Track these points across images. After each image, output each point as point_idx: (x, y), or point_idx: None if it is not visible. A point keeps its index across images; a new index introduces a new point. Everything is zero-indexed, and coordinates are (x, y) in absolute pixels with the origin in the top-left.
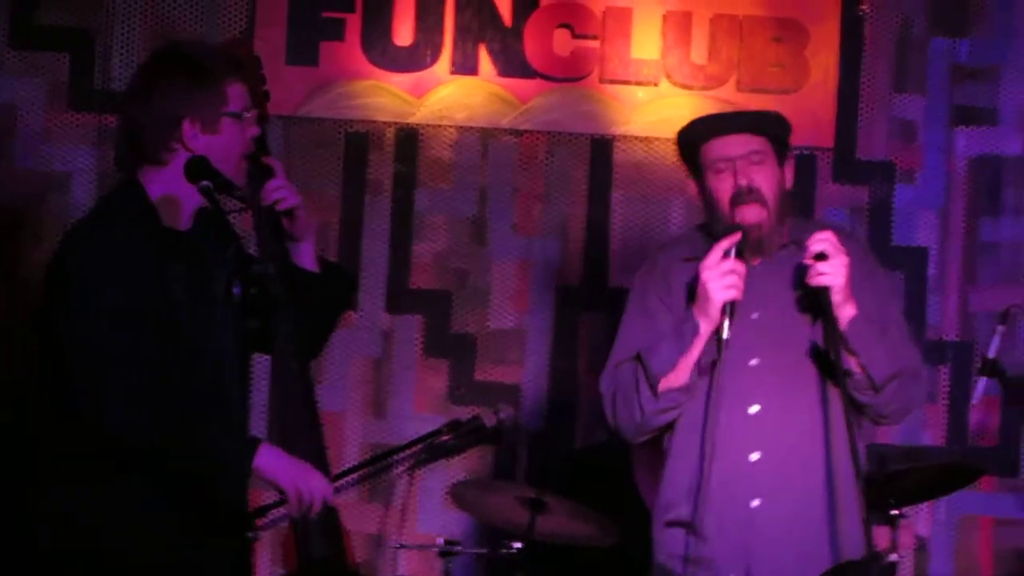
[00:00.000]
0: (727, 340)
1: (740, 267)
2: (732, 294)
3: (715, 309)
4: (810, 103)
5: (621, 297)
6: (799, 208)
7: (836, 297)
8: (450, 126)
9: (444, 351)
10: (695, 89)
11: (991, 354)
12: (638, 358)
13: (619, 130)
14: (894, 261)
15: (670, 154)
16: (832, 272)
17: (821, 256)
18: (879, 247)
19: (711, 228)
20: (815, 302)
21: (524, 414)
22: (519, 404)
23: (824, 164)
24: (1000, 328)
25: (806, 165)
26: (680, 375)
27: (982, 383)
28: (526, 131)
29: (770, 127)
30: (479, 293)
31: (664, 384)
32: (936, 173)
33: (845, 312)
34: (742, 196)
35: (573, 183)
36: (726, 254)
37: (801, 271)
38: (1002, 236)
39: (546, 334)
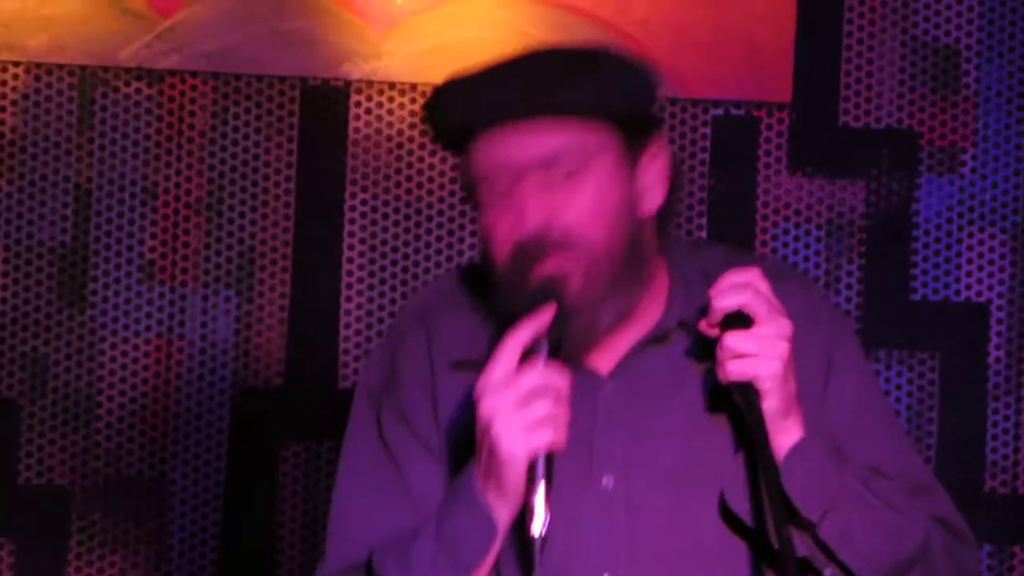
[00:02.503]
0: (541, 539)
1: (558, 379)
2: (545, 440)
3: (514, 475)
4: (743, 14)
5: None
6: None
7: (768, 403)
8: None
9: None
10: None
11: None
12: (370, 567)
13: (358, 70)
14: (918, 330)
15: None
16: (758, 352)
17: (737, 320)
18: (887, 302)
19: (495, 295)
20: (732, 415)
21: None
22: None
23: (774, 135)
24: None
25: (735, 136)
26: None
27: None
28: (170, 72)
29: (602, 93)
30: None
31: None
32: (1006, 152)
33: (784, 435)
34: (529, 248)
35: (264, 171)
36: (526, 355)
37: (704, 375)
38: None
39: None
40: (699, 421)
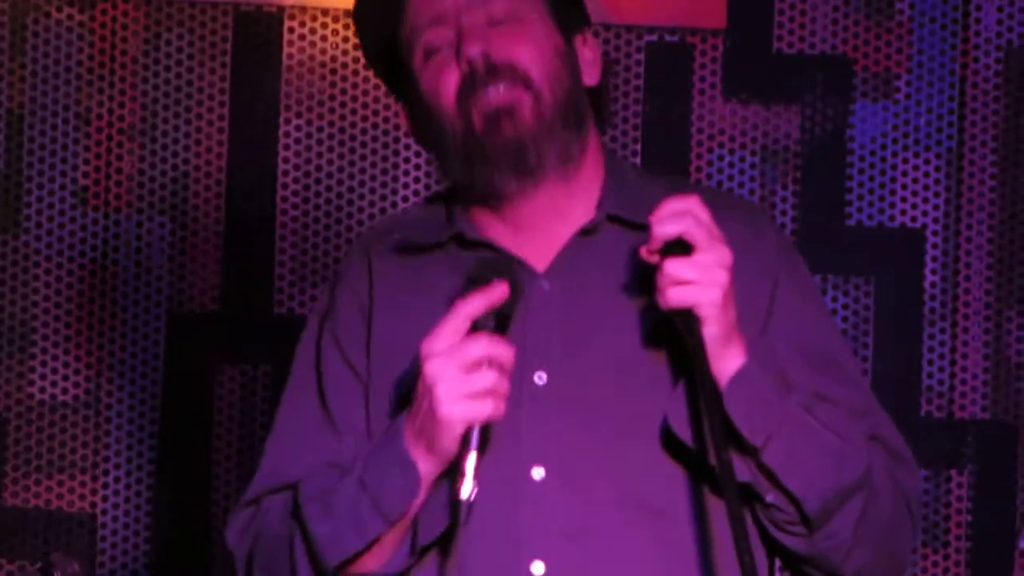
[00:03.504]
0: (469, 502)
1: (504, 352)
2: (485, 411)
3: (448, 439)
4: None
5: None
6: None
7: (709, 330)
8: None
9: None
10: None
11: None
12: (296, 508)
13: None
14: (852, 256)
15: None
16: (698, 280)
17: (676, 247)
18: (821, 228)
19: (448, 151)
20: (669, 339)
21: None
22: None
23: (708, 61)
24: None
25: (669, 62)
26: (379, 558)
27: None
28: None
29: None
30: None
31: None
32: (940, 78)
33: (726, 362)
34: (477, 77)
35: (197, 97)
36: (477, 326)
37: (642, 277)
38: None
39: None
40: (643, 325)
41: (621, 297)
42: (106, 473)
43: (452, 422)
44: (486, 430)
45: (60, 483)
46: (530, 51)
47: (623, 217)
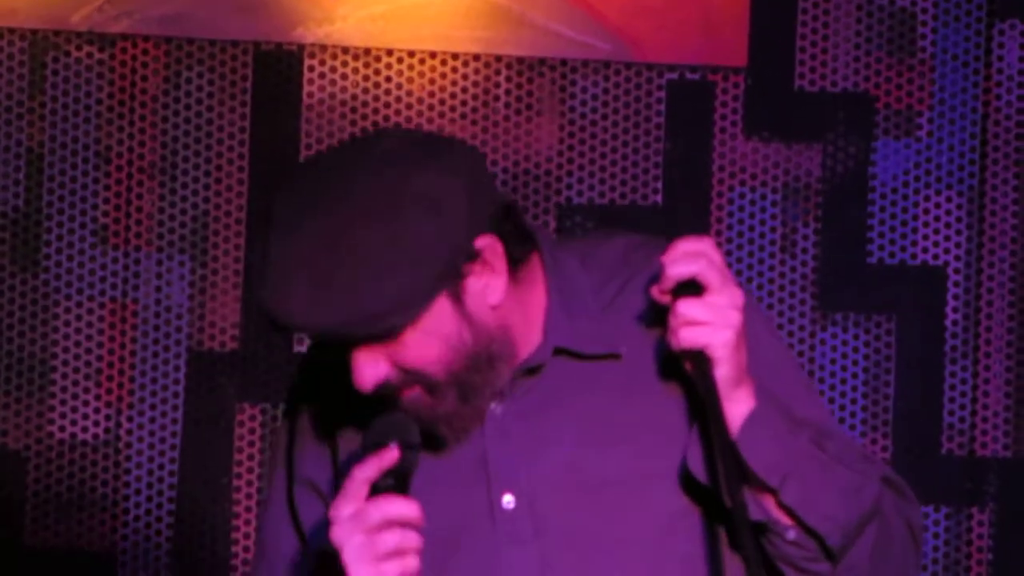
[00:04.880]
0: None
1: (406, 510)
2: (395, 571)
3: None
4: None
5: None
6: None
7: (721, 372)
8: None
9: None
10: None
11: None
12: None
13: (311, 35)
14: (874, 294)
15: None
16: (711, 321)
17: (688, 288)
18: (843, 266)
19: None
20: (680, 384)
21: None
22: None
23: (730, 100)
24: None
25: (690, 100)
26: None
27: None
28: (122, 36)
29: (398, 310)
30: None
31: None
32: (962, 115)
33: (737, 404)
34: (380, 395)
35: (217, 136)
36: (376, 489)
37: (593, 391)
38: None
39: None
40: (608, 428)
41: (579, 408)
42: (126, 512)
43: None
44: None
45: (80, 522)
46: (421, 361)
47: (571, 350)
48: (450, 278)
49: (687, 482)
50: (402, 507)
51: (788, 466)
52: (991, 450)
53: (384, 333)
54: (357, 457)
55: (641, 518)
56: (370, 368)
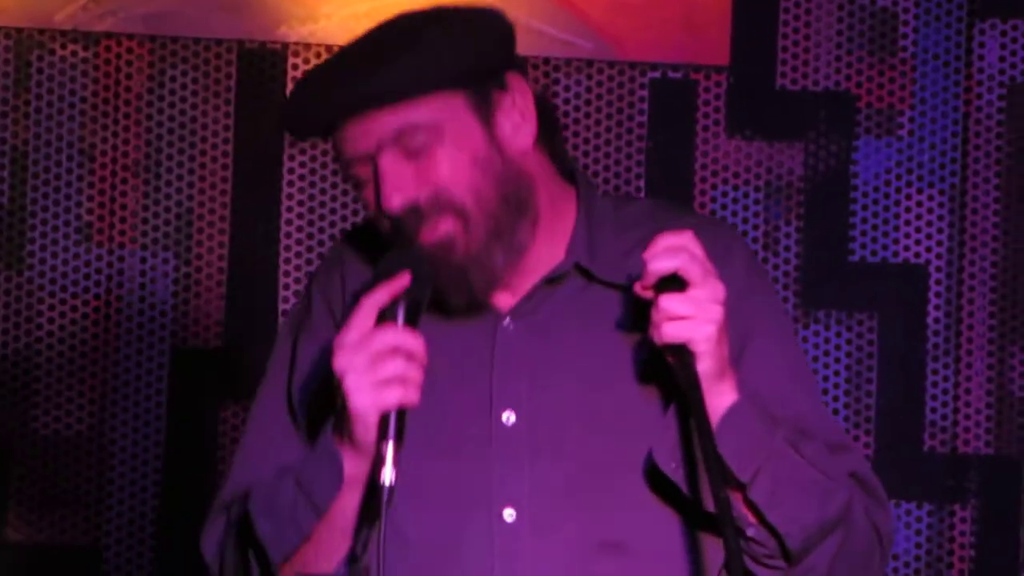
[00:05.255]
0: (389, 488)
1: (411, 341)
2: (394, 398)
3: (364, 430)
4: None
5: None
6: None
7: (703, 366)
8: None
9: None
10: None
11: None
12: (245, 515)
13: (295, 33)
14: (856, 292)
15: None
16: (693, 315)
17: (671, 283)
18: (825, 264)
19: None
20: (659, 374)
21: None
22: None
23: (712, 98)
24: None
25: (673, 98)
26: (320, 556)
27: None
28: (106, 35)
29: (421, 71)
30: None
31: (288, 570)
32: (943, 114)
33: (718, 398)
34: (404, 225)
35: (201, 134)
36: (384, 316)
37: (631, 313)
38: None
39: None
40: (608, 366)
41: (586, 343)
42: (109, 508)
43: (363, 411)
44: (403, 418)
45: (63, 517)
46: (451, 178)
47: (589, 270)
48: (475, 80)
49: (640, 476)
50: (409, 337)
51: (760, 462)
52: (973, 447)
53: (399, 92)
54: (366, 288)
55: (627, 469)
56: (399, 182)
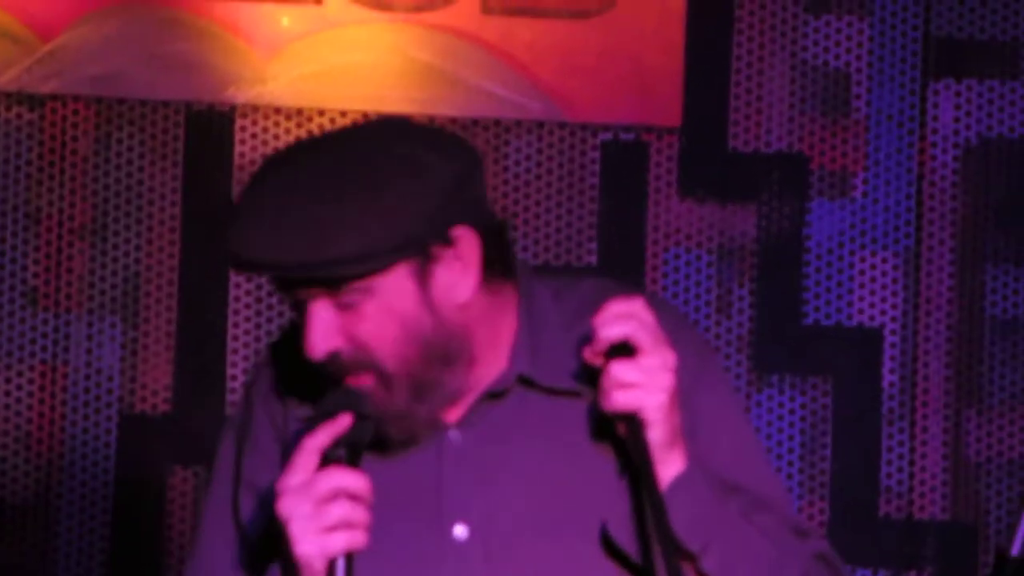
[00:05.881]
0: None
1: (355, 482)
2: (341, 543)
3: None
4: (631, 37)
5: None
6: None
7: (653, 434)
8: None
9: None
10: (396, 9)
11: (1016, 550)
12: None
13: (243, 95)
14: (810, 356)
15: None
16: (643, 383)
17: (621, 350)
18: (779, 327)
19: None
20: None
21: None
22: None
23: (664, 160)
24: None
25: (625, 160)
26: None
27: None
28: (52, 97)
29: (366, 253)
30: None
31: None
32: (897, 176)
33: (668, 467)
34: (327, 367)
35: (148, 196)
36: (327, 458)
37: (578, 415)
38: None
39: None
40: (557, 468)
41: (533, 446)
42: None
43: (310, 558)
44: (351, 562)
45: None
46: (375, 341)
47: (532, 380)
48: (417, 250)
49: (608, 547)
50: (352, 479)
51: (711, 533)
52: (929, 513)
53: (338, 279)
54: (307, 429)
55: (588, 564)
56: (324, 333)
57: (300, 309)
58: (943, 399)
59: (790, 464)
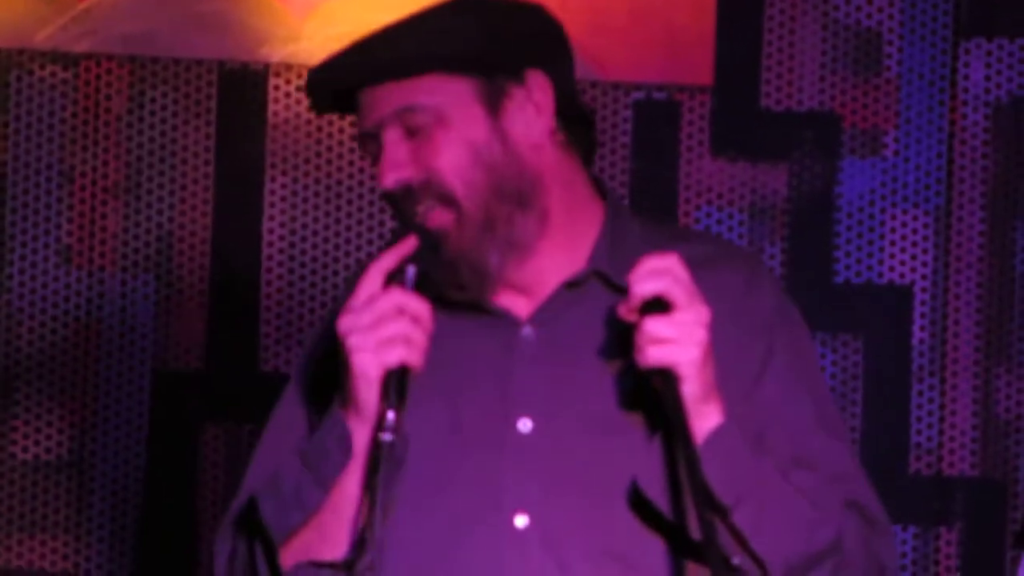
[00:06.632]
0: (388, 444)
1: (416, 304)
2: (396, 356)
3: (367, 391)
4: None
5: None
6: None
7: (687, 389)
8: None
9: None
10: None
11: None
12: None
13: (276, 54)
14: (841, 313)
15: None
16: (677, 338)
17: (655, 306)
18: (809, 285)
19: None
20: (650, 396)
21: None
22: None
23: (696, 119)
24: None
25: (657, 119)
26: (325, 540)
27: None
28: (85, 56)
29: (425, 47)
30: None
31: (291, 558)
32: (928, 134)
33: (703, 420)
34: (399, 201)
35: (182, 155)
36: (391, 279)
37: (625, 335)
38: None
39: None
40: (623, 382)
41: (604, 352)
42: (89, 533)
43: (365, 370)
44: (404, 380)
45: (43, 543)
46: (445, 164)
47: (609, 277)
48: (484, 70)
49: (636, 499)
50: (413, 300)
51: (745, 487)
52: (958, 469)
53: (405, 67)
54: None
55: (646, 463)
56: (396, 161)
57: (372, 148)
58: (973, 356)
59: None
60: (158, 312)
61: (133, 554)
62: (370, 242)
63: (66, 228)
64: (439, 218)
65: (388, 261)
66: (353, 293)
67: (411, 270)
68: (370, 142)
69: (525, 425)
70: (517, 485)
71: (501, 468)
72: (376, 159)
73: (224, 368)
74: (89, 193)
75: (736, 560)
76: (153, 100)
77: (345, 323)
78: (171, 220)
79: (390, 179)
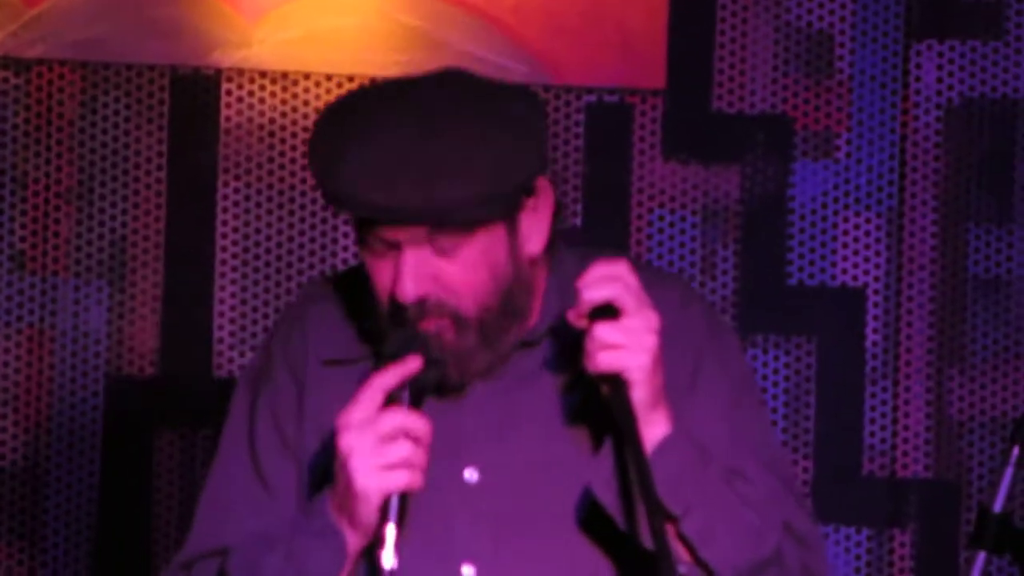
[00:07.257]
0: (392, 570)
1: (418, 425)
2: (400, 482)
3: (367, 511)
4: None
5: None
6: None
7: (636, 395)
8: None
9: None
10: None
11: (998, 506)
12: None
13: (228, 59)
14: (794, 316)
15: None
16: (627, 344)
17: (605, 311)
18: (762, 287)
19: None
20: (597, 413)
21: None
22: None
23: (648, 121)
24: (1014, 453)
25: (609, 122)
26: None
27: (980, 561)
28: (37, 61)
29: (479, 201)
30: None
31: None
32: (880, 136)
33: (652, 428)
34: (409, 312)
35: (134, 160)
36: (391, 398)
37: (570, 355)
38: (1018, 259)
39: None
40: (565, 418)
41: (555, 395)
42: (44, 539)
43: (368, 494)
44: (405, 501)
45: None
46: (466, 289)
47: (561, 331)
48: (518, 200)
49: (594, 522)
50: (416, 421)
51: (694, 495)
52: (912, 471)
53: (457, 221)
54: (375, 367)
55: (580, 521)
56: (418, 277)
57: (380, 248)
58: (926, 358)
59: (774, 423)
60: (111, 317)
61: (88, 560)
62: (323, 247)
63: (19, 233)
64: (442, 325)
65: (391, 379)
66: (351, 406)
67: (407, 390)
68: (380, 244)
69: (472, 476)
70: (465, 536)
71: (449, 519)
72: (375, 253)
73: (178, 373)
74: (42, 198)
75: (683, 569)
76: (105, 105)
77: (346, 441)
78: (124, 225)
79: (411, 294)
